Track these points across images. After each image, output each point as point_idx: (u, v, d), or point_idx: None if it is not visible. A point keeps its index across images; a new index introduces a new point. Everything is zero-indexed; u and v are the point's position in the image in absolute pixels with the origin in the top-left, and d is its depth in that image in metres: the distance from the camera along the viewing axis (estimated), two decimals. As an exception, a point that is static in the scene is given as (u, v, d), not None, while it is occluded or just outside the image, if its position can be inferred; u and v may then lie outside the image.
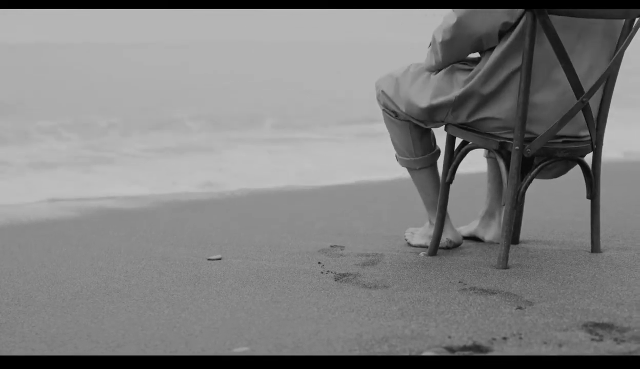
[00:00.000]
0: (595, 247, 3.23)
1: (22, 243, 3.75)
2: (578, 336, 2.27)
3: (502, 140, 2.98)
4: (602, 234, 3.50)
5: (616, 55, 2.97)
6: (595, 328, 2.34)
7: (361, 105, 12.49)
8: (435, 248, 3.26)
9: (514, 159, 2.94)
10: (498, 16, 2.87)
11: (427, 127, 3.20)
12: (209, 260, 3.33)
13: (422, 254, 3.28)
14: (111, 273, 3.16)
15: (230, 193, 5.43)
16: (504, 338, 2.27)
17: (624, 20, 2.98)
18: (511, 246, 3.34)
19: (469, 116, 3.01)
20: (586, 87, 2.94)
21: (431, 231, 3.35)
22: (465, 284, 2.83)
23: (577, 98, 2.91)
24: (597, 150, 3.12)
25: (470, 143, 3.10)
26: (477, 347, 2.21)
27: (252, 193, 5.39)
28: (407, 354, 2.16)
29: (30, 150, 8.10)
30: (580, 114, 2.98)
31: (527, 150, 2.94)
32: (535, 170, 3.00)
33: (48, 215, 4.52)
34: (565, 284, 2.80)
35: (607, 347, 2.18)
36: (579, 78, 2.91)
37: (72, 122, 10.63)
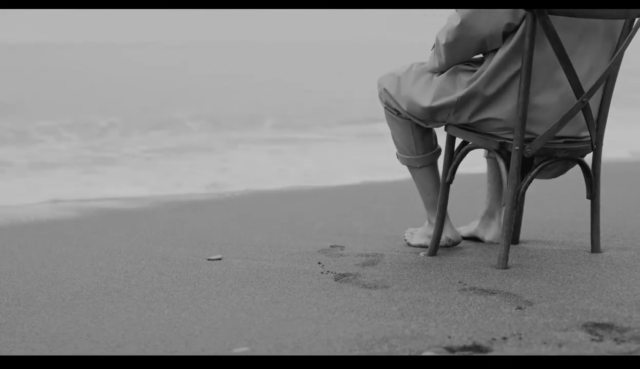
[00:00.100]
0: (595, 247, 3.23)
1: (22, 243, 3.75)
2: (578, 336, 2.27)
3: (502, 140, 2.98)
4: (602, 234, 3.50)
5: (616, 55, 2.97)
6: (595, 328, 2.34)
7: (361, 105, 12.49)
8: (435, 248, 3.26)
9: (514, 159, 2.94)
10: (502, 17, 2.87)
11: (427, 127, 3.20)
12: (209, 260, 3.33)
13: (422, 254, 3.28)
14: (111, 273, 3.16)
15: (230, 193, 5.43)
16: (504, 338, 2.27)
17: (624, 20, 2.98)
18: (511, 246, 3.34)
19: (470, 117, 3.01)
20: (586, 88, 2.94)
21: (430, 231, 3.34)
22: (465, 284, 2.83)
23: (577, 99, 2.91)
24: (597, 150, 3.12)
25: (471, 143, 3.10)
26: (477, 347, 2.21)
27: (252, 193, 5.39)
28: (407, 354, 2.16)
29: (30, 150, 8.09)
30: (581, 115, 2.98)
31: (527, 150, 2.93)
32: (535, 170, 3.00)
33: (48, 215, 4.52)
34: (565, 284, 2.80)
35: (607, 347, 2.18)
36: (580, 79, 2.91)
37: (72, 122, 10.61)
